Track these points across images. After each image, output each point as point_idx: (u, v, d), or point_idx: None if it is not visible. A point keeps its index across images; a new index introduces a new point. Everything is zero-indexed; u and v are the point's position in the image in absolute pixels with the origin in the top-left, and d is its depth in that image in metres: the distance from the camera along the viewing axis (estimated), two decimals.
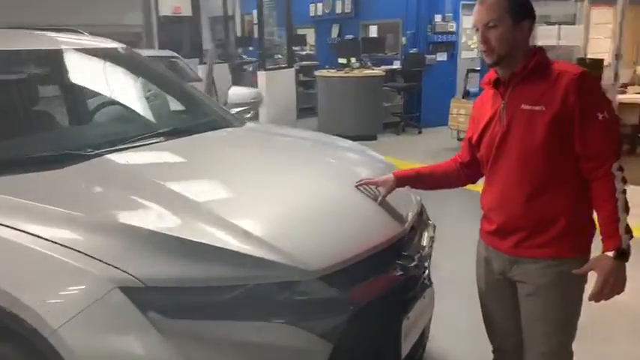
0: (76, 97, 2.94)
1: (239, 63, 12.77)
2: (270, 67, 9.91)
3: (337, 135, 3.04)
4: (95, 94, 2.91)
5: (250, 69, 11.00)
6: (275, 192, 2.03)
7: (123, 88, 2.99)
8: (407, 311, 2.01)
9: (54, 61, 2.86)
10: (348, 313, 1.73)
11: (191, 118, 3.02)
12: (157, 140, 2.39)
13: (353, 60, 9.59)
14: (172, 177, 2.03)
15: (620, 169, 1.72)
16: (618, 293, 1.72)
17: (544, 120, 1.75)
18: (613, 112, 1.77)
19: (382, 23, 10.90)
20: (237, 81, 12.42)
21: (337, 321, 1.70)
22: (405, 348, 2.02)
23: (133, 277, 1.53)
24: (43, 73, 2.99)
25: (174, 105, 3.07)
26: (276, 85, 9.43)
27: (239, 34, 16.18)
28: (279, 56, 12.20)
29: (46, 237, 1.63)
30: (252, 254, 1.64)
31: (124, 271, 1.54)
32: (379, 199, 2.10)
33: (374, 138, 8.92)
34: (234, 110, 3.50)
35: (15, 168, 1.96)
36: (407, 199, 2.29)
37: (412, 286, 2.06)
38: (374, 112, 9.09)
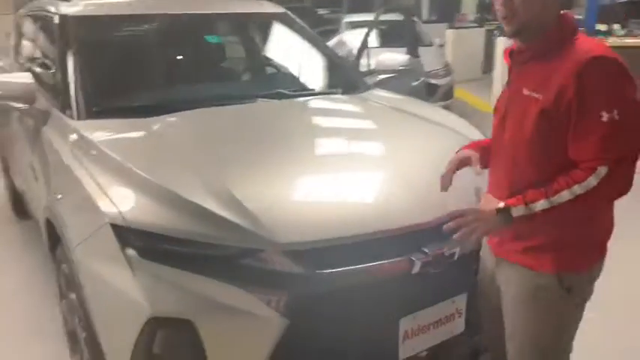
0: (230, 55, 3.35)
1: (492, 29, 12.03)
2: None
3: None
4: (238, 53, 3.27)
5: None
6: (294, 165, 2.03)
7: (260, 49, 3.26)
8: (410, 310, 1.82)
9: (231, 23, 3.32)
10: (312, 293, 1.68)
11: (306, 82, 3.12)
12: (250, 101, 2.60)
13: (616, 26, 8.19)
14: (210, 139, 2.23)
15: (606, 180, 1.34)
16: (467, 238, 1.48)
17: (535, 110, 1.43)
18: (632, 112, 1.35)
19: None
20: (489, 46, 11.81)
21: (297, 299, 1.66)
22: (406, 350, 1.85)
23: (122, 216, 1.76)
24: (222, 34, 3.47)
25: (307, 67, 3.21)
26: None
27: None
28: None
29: (85, 166, 1.99)
30: (224, 216, 1.72)
31: (118, 210, 1.78)
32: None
33: None
34: (380, 77, 3.47)
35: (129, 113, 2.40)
36: (462, 192, 2.00)
37: (427, 286, 1.84)
38: None
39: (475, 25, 12.24)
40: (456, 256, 1.86)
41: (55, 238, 2.23)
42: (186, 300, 1.68)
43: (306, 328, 1.70)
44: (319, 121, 2.54)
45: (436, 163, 2.15)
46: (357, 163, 2.07)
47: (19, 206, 3.98)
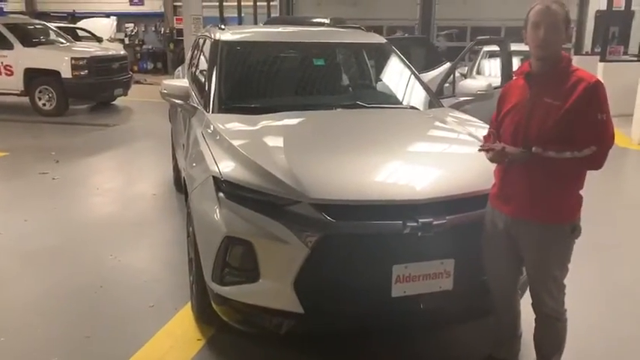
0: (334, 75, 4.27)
1: None
2: None
3: None
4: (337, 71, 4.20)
5: None
6: (337, 149, 2.89)
7: (355, 70, 4.11)
8: (401, 261, 2.49)
9: (335, 50, 4.27)
10: (328, 235, 2.44)
11: (382, 97, 3.96)
12: (331, 109, 3.50)
13: None
14: (289, 130, 3.17)
15: (592, 154, 2.13)
16: (497, 159, 2.31)
17: (556, 112, 2.17)
18: (609, 115, 2.18)
19: None
20: None
21: (316, 237, 2.43)
22: (397, 290, 2.52)
23: (219, 172, 2.71)
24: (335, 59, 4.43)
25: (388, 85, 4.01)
26: None
27: None
28: None
29: (207, 142, 3.00)
30: (279, 177, 2.57)
31: (217, 168, 2.73)
32: None
33: None
34: (460, 99, 4.10)
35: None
36: (464, 180, 2.66)
37: (418, 246, 2.48)
38: None
39: (634, 59, 11.73)
40: (443, 228, 2.49)
41: (187, 193, 3.28)
42: (249, 227, 2.55)
43: (322, 259, 2.46)
44: (372, 123, 3.34)
45: (444, 160, 2.84)
46: (381, 153, 2.84)
47: (178, 182, 5.29)
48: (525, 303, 2.65)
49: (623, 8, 13.90)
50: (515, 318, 2.67)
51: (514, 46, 9.17)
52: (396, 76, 4.02)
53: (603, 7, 15.52)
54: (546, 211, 2.28)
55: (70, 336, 3.12)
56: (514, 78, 2.45)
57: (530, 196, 2.30)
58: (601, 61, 11.13)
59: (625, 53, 12.38)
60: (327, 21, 10.92)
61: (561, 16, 2.20)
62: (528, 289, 2.49)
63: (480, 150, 2.36)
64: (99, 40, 14.99)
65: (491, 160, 2.35)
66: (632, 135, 8.77)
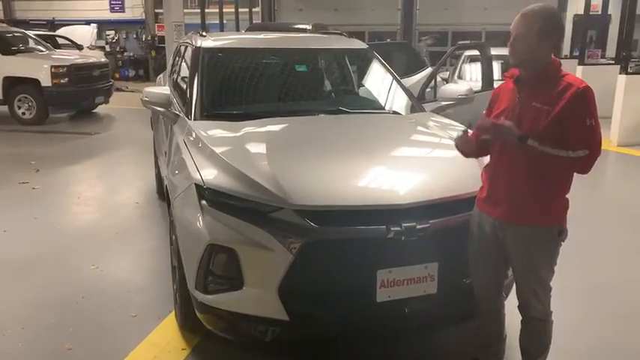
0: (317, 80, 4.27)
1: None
2: None
3: None
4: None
5: None
6: (320, 155, 2.87)
7: (338, 75, 4.12)
8: (385, 265, 2.49)
9: (317, 56, 4.27)
10: (312, 241, 2.43)
11: (364, 102, 3.97)
12: (313, 115, 3.48)
13: None
14: (271, 136, 3.14)
15: (582, 157, 2.14)
16: (497, 132, 2.27)
17: (546, 116, 2.18)
18: (597, 120, 2.19)
19: None
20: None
21: (300, 243, 2.42)
22: (382, 295, 2.52)
23: (202, 180, 2.69)
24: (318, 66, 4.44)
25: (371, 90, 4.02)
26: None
27: None
28: None
29: (189, 150, 2.98)
30: (262, 184, 2.56)
31: (200, 176, 2.71)
32: None
33: None
34: (442, 104, 4.13)
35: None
36: (447, 184, 2.67)
37: (402, 250, 2.48)
38: None
39: (611, 62, 11.90)
40: (426, 232, 2.50)
41: (169, 201, 3.25)
42: (232, 235, 2.53)
43: (306, 265, 2.45)
44: (355, 128, 3.34)
45: (426, 165, 2.86)
46: (364, 158, 2.85)
47: (161, 190, 5.25)
48: (509, 305, 2.67)
49: (600, 12, 14.21)
50: (499, 320, 2.68)
51: (494, 51, 9.30)
52: (378, 81, 4.03)
53: (581, 11, 15.84)
54: (535, 215, 2.30)
55: (51, 348, 3.07)
56: (503, 80, 2.45)
57: (518, 199, 2.31)
58: (579, 64, 11.29)
59: (603, 57, 12.60)
60: (309, 27, 10.95)
61: (536, 26, 2.16)
62: (515, 291, 2.50)
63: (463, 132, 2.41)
64: (79, 47, 14.85)
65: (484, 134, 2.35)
66: (610, 137, 8.90)
